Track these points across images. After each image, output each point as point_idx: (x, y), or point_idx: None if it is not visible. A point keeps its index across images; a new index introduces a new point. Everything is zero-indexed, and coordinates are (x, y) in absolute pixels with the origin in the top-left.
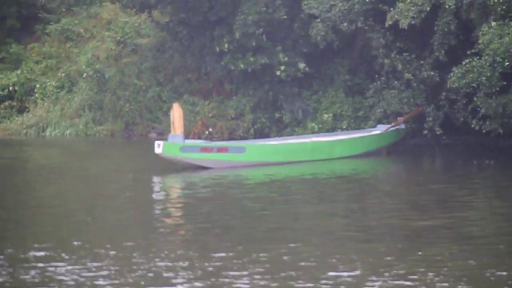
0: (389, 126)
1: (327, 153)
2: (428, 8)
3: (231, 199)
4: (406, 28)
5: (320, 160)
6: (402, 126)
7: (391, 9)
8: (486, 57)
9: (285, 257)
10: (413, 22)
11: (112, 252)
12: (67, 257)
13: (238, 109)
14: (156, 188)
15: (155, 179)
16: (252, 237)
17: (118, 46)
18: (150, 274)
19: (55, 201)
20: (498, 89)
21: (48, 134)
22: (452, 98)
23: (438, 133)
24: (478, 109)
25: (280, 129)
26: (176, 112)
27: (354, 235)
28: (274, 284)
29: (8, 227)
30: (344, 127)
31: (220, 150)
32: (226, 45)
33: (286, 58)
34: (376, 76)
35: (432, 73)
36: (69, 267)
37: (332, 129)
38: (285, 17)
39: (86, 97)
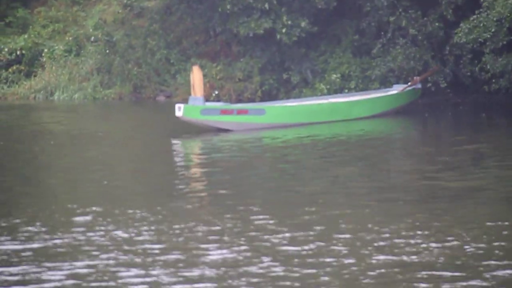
0: (405, 85)
1: (345, 114)
2: None
3: (267, 162)
4: None
5: (338, 121)
6: (419, 85)
7: None
8: (493, 12)
9: (325, 219)
10: None
11: (150, 217)
12: (106, 221)
13: (246, 71)
14: (185, 151)
15: (181, 142)
16: (293, 201)
17: (125, 9)
18: (189, 236)
19: (94, 165)
20: (505, 43)
21: (57, 98)
22: (457, 54)
23: (442, 86)
24: (485, 66)
25: (288, 90)
26: (196, 75)
27: (392, 197)
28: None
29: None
30: (352, 87)
31: (240, 112)
32: (228, 6)
33: (289, 22)
34: (382, 33)
35: (437, 25)
36: (110, 231)
37: (340, 90)
38: None
39: (94, 60)
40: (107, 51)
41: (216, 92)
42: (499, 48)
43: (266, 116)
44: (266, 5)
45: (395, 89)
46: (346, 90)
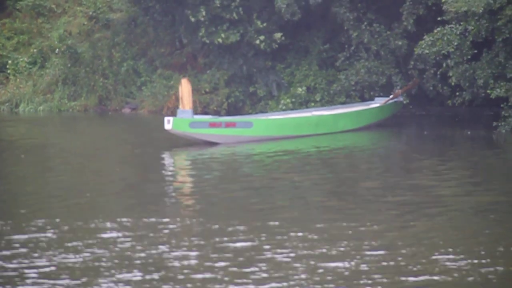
0: (387, 99)
1: (331, 127)
2: None
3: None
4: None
5: (324, 134)
6: (401, 98)
7: None
8: (457, 25)
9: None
10: None
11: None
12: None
13: (212, 83)
14: (167, 162)
15: (165, 154)
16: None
17: (90, 21)
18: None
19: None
20: (469, 57)
21: (22, 110)
22: (421, 68)
23: (404, 102)
24: (449, 80)
25: (254, 102)
26: (185, 88)
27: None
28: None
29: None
30: (318, 100)
31: (228, 125)
32: (203, 13)
33: (265, 24)
34: (346, 46)
35: (400, 42)
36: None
37: (305, 102)
38: None
39: (58, 72)
40: (70, 63)
41: None
42: (463, 61)
43: (254, 129)
44: (235, 15)
45: (377, 102)
46: (312, 104)
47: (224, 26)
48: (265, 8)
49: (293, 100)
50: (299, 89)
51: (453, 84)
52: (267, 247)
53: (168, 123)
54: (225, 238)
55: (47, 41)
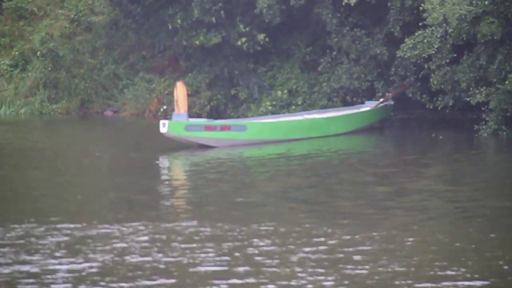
0: (378, 102)
1: (323, 130)
2: None
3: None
4: (352, 4)
5: (316, 137)
6: (391, 101)
7: None
8: (438, 28)
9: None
10: None
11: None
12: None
13: (194, 86)
14: (162, 165)
15: (161, 159)
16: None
17: (72, 24)
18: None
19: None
20: (447, 61)
21: (3, 113)
22: (402, 74)
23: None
24: (431, 81)
25: (236, 105)
26: (180, 91)
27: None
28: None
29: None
30: (300, 103)
31: (224, 128)
32: (179, 21)
33: (247, 29)
34: (328, 51)
35: (379, 50)
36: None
37: (287, 106)
38: None
39: (40, 75)
40: (51, 66)
41: (165, 107)
42: (444, 64)
43: (248, 132)
44: (213, 19)
45: (368, 106)
46: (293, 107)
47: (204, 29)
48: (247, 11)
49: (274, 103)
50: (280, 92)
51: (433, 89)
52: (278, 250)
53: (164, 127)
54: (236, 243)
55: (29, 44)
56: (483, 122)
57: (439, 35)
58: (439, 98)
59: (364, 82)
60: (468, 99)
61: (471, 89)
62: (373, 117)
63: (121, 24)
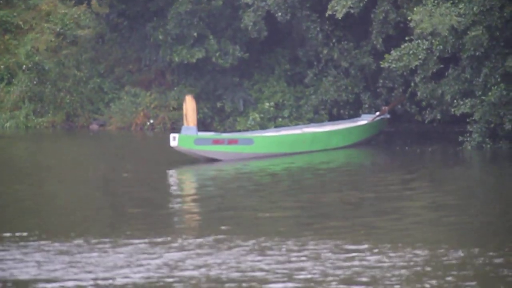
0: (374, 116)
1: (325, 144)
2: None
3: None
4: (339, 18)
5: (318, 151)
6: (387, 115)
7: None
8: (424, 41)
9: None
10: (352, 12)
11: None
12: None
13: (180, 100)
14: (172, 180)
15: (171, 172)
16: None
17: (58, 38)
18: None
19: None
20: (434, 71)
21: None
22: (389, 86)
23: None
24: (417, 94)
25: (222, 119)
26: (189, 105)
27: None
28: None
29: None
30: (286, 116)
31: (231, 142)
32: (160, 36)
33: (228, 44)
34: (315, 63)
35: (367, 60)
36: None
37: (273, 118)
38: (221, 2)
39: (25, 89)
40: (37, 79)
41: (151, 121)
42: (429, 76)
43: (254, 146)
44: (195, 34)
45: (364, 119)
46: (280, 120)
47: (187, 44)
48: (230, 25)
49: (262, 115)
50: (267, 104)
51: (417, 100)
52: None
53: (174, 140)
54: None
55: (14, 57)
56: (468, 134)
57: (424, 47)
58: (427, 111)
59: (352, 94)
60: (453, 111)
61: (455, 101)
62: (372, 130)
63: (107, 37)
